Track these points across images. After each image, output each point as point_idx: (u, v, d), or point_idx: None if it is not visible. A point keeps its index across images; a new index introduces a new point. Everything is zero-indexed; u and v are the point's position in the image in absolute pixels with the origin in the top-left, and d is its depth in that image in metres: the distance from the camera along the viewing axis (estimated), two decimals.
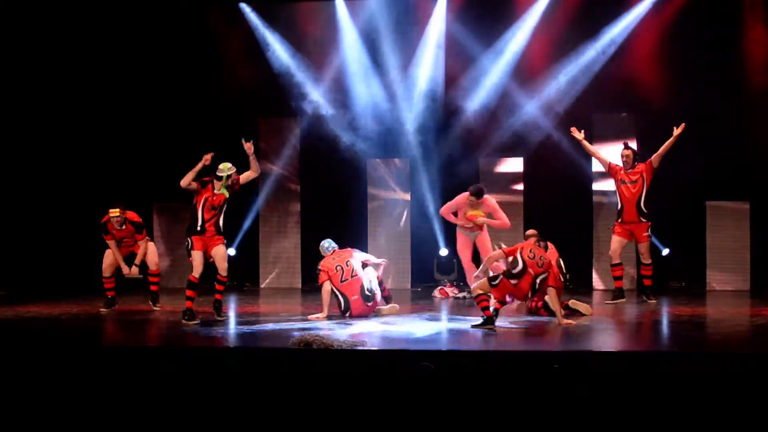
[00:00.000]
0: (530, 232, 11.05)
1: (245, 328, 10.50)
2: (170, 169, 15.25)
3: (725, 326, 10.56)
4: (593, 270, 14.58)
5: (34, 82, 15.13)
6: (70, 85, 15.28)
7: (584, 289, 14.12)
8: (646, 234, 12.40)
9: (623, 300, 12.46)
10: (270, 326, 10.49)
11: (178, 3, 15.24)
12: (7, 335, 10.11)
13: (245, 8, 15.53)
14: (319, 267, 11.40)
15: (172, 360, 8.52)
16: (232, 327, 10.74)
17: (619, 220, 12.52)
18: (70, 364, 8.40)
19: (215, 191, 11.21)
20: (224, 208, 11.26)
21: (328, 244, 11.68)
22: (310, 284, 14.59)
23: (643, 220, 12.37)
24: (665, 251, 13.35)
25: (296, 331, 9.56)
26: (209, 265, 11.25)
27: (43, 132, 15.31)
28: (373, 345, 8.94)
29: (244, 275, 14.96)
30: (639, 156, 12.45)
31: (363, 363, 8.30)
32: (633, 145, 13.14)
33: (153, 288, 12.41)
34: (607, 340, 9.83)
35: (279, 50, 15.45)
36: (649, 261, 12.50)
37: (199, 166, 11.17)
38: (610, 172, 12.59)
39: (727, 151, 14.53)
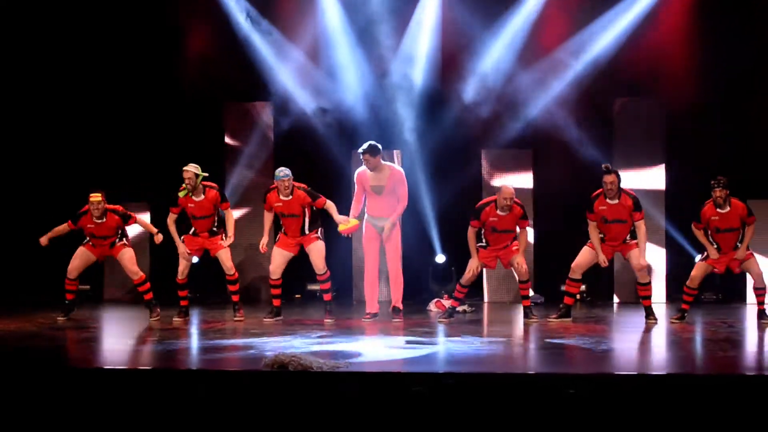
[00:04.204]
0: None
1: (210, 344, 10.44)
2: (128, 164, 15.23)
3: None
4: (614, 278, 14.57)
5: None
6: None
7: (604, 299, 14.17)
8: (634, 241, 12.11)
9: (569, 319, 12.30)
10: (239, 343, 10.42)
11: None
12: None
13: None
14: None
15: (128, 383, 8.43)
16: (195, 346, 10.67)
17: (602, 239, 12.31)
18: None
19: (192, 197, 12.35)
20: (215, 218, 12.52)
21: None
22: (287, 296, 14.58)
23: (629, 240, 12.15)
24: (698, 257, 13.13)
25: (269, 351, 9.48)
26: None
27: None
28: (358, 367, 8.85)
29: (208, 286, 14.84)
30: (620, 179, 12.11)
31: (346, 387, 8.20)
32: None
33: (146, 297, 12.64)
34: (630, 362, 9.77)
35: (253, 28, 15.43)
36: (646, 280, 12.23)
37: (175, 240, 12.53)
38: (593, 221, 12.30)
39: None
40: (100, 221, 12.28)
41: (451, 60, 15.35)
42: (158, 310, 12.57)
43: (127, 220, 12.44)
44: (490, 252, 12.27)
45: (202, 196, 12.32)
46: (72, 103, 15.51)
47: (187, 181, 12.21)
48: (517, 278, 12.61)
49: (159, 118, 15.35)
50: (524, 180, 14.89)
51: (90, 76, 15.43)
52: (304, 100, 15.36)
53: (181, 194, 12.28)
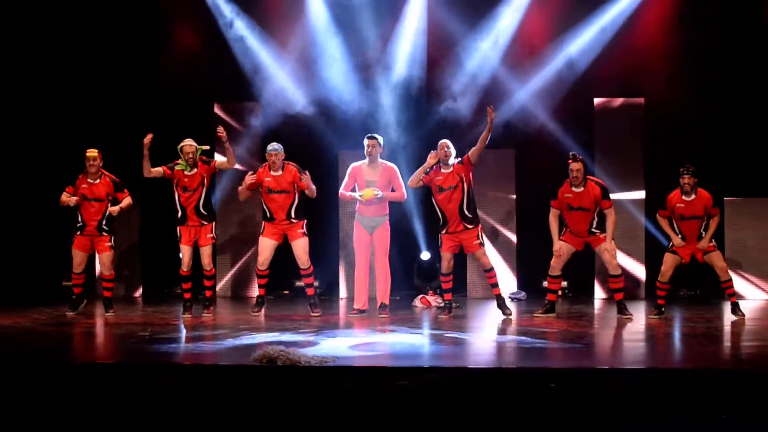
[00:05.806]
0: None
1: (198, 343, 10.43)
2: (115, 165, 15.24)
3: (748, 340, 10.63)
4: (595, 274, 14.71)
5: None
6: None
7: (586, 295, 14.29)
8: (603, 234, 12.07)
9: (553, 315, 12.36)
10: (228, 341, 10.37)
11: None
12: None
13: None
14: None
15: (117, 378, 8.41)
16: (182, 342, 10.67)
17: (569, 230, 12.36)
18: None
19: (185, 172, 12.33)
20: (203, 191, 12.41)
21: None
22: (275, 292, 14.66)
23: (596, 231, 12.15)
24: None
25: (258, 345, 9.57)
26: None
27: None
28: (345, 361, 8.91)
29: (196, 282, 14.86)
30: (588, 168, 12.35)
31: (334, 382, 8.23)
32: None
33: (106, 294, 12.89)
34: (611, 357, 9.82)
35: (239, 27, 15.44)
36: (617, 272, 12.14)
37: (145, 152, 12.23)
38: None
39: (748, 142, 14.67)
40: (93, 182, 12.44)
41: (436, 60, 15.28)
42: (113, 308, 12.85)
43: (122, 189, 12.65)
44: (452, 239, 12.36)
45: (195, 169, 12.38)
46: (57, 102, 15.38)
47: (190, 155, 12.26)
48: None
49: (147, 119, 15.22)
50: (506, 179, 14.95)
51: (76, 74, 15.35)
52: (292, 100, 15.32)
53: (177, 167, 12.33)
